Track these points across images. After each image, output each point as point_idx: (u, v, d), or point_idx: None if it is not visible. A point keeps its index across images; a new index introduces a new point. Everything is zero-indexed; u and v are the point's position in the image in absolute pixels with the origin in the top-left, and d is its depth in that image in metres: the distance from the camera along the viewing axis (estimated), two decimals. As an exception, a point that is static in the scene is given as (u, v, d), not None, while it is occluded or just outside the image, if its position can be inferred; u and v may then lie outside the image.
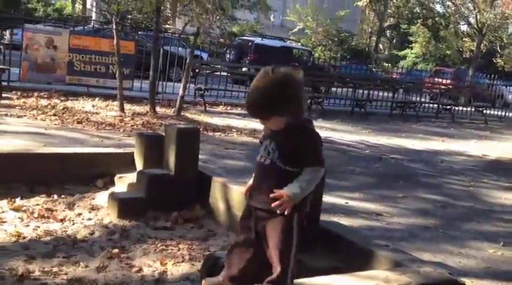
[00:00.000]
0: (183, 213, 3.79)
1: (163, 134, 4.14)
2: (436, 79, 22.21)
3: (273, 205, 2.12)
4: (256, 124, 9.48)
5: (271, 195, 2.14)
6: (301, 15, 38.68)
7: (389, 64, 33.65)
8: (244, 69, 16.29)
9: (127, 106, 8.95)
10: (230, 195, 3.62)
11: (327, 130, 9.97)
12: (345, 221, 3.84)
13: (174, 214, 3.75)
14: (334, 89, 15.52)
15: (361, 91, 14.90)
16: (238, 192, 3.54)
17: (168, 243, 3.30)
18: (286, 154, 2.19)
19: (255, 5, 17.51)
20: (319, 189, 2.61)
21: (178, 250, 3.24)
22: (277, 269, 2.20)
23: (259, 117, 2.23)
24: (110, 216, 3.60)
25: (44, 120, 7.13)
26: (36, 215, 3.48)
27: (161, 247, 3.23)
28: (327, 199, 3.14)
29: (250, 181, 2.38)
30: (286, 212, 2.14)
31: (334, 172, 5.50)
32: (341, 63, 21.85)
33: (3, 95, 8.82)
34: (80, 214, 3.63)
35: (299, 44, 27.27)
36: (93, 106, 8.89)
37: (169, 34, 15.68)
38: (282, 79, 2.15)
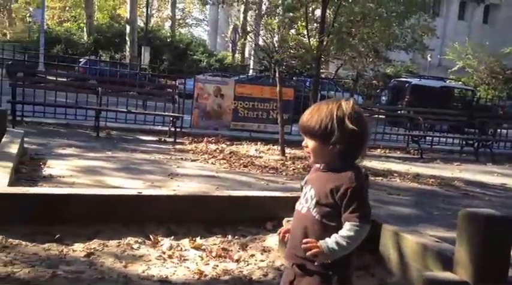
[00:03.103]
0: (352, 260, 3.75)
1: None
2: None
3: (307, 253, 1.87)
4: (419, 169, 9.14)
5: (304, 241, 1.89)
6: (460, 54, 36.88)
7: None
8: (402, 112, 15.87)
9: (287, 150, 9.22)
10: (403, 244, 3.50)
11: (498, 175, 9.25)
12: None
13: (343, 260, 3.73)
14: (504, 131, 14.36)
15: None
16: (412, 242, 3.43)
17: (340, 290, 3.28)
18: (324, 204, 1.90)
19: (411, 46, 17.07)
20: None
21: (351, 298, 3.20)
22: None
23: (304, 131, 1.97)
24: (281, 259, 3.68)
25: (214, 164, 7.64)
26: (214, 254, 3.69)
27: (333, 293, 3.22)
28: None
29: (288, 224, 2.13)
30: (316, 263, 1.88)
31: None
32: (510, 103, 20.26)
33: (177, 140, 9.67)
34: (253, 255, 3.77)
35: (460, 83, 25.97)
36: (256, 150, 9.32)
37: (325, 78, 16.01)
38: (351, 111, 1.90)
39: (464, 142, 12.54)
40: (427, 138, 12.45)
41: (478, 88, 30.70)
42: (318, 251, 1.85)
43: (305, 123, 1.95)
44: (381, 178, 7.74)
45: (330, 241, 1.85)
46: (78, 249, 3.53)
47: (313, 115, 1.93)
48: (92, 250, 3.53)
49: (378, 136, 12.18)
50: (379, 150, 11.36)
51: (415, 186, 7.47)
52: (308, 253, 1.87)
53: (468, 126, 13.56)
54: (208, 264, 3.52)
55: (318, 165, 2.01)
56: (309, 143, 1.96)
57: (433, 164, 10.22)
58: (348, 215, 1.85)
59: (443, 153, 11.97)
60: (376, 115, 13.31)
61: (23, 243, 3.51)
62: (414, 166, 9.56)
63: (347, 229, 1.84)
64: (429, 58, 31.80)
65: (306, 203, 1.96)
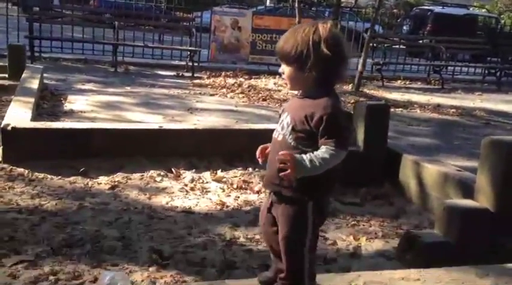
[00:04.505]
0: (372, 190, 3.80)
1: (349, 111, 4.16)
2: None
3: (279, 164, 1.81)
4: (440, 99, 9.03)
5: (280, 152, 1.82)
6: (486, -21, 35.36)
7: None
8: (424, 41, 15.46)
9: (306, 83, 9.12)
10: (424, 173, 3.52)
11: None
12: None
13: (363, 190, 3.78)
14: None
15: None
16: (433, 171, 3.44)
17: (359, 219, 3.35)
18: (299, 130, 1.86)
19: (435, -29, 16.44)
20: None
21: (370, 226, 3.26)
22: (284, 268, 1.97)
23: (280, 56, 1.90)
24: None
25: (233, 98, 7.62)
26: (235, 186, 3.76)
27: (353, 222, 3.29)
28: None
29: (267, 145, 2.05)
30: (281, 174, 1.82)
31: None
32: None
33: (195, 75, 9.62)
34: (273, 187, 3.83)
35: (484, 10, 25.03)
36: (274, 84, 9.22)
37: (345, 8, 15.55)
38: (328, 34, 1.81)
39: (486, 71, 12.26)
40: (449, 67, 12.19)
41: (502, 16, 29.63)
42: (290, 160, 1.80)
43: (281, 48, 1.89)
44: (401, 109, 7.67)
45: (305, 157, 1.81)
46: (103, 182, 3.62)
47: (289, 39, 1.86)
48: (116, 183, 3.62)
49: (399, 67, 11.94)
50: (399, 81, 11.17)
51: (435, 117, 7.40)
52: (280, 163, 1.82)
53: (491, 55, 13.21)
54: (229, 195, 3.60)
55: (295, 92, 1.98)
56: (285, 69, 1.90)
57: (454, 94, 10.08)
58: (324, 140, 1.82)
59: (465, 83, 11.75)
60: (397, 46, 13.00)
61: (49, 176, 3.61)
62: (435, 96, 9.44)
63: (323, 150, 1.81)
64: (453, -15, 30.57)
65: (282, 130, 1.91)
